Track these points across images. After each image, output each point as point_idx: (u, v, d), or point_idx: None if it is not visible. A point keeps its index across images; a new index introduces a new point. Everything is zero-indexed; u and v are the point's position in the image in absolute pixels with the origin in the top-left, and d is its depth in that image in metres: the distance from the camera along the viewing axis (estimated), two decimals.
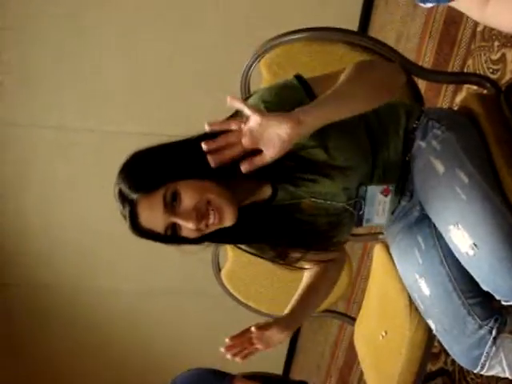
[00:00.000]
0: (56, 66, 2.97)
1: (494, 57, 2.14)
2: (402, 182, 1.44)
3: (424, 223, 1.48)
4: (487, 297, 1.35)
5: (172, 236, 1.26)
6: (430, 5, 1.03)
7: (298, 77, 1.33)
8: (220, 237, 1.34)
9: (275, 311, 2.01)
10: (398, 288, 1.63)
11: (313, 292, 1.57)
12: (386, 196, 1.43)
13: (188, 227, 1.23)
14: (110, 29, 2.94)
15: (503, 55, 2.10)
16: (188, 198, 1.22)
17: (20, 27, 2.87)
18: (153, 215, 1.23)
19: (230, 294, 2.18)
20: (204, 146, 1.13)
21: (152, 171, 1.25)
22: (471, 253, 1.26)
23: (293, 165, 1.29)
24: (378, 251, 1.79)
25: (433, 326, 1.48)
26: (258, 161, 1.15)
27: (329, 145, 1.30)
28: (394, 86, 1.32)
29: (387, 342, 1.80)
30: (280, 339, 1.46)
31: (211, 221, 1.24)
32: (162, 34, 2.98)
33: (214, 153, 1.14)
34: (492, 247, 1.23)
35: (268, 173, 1.27)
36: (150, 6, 2.94)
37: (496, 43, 2.14)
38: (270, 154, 1.14)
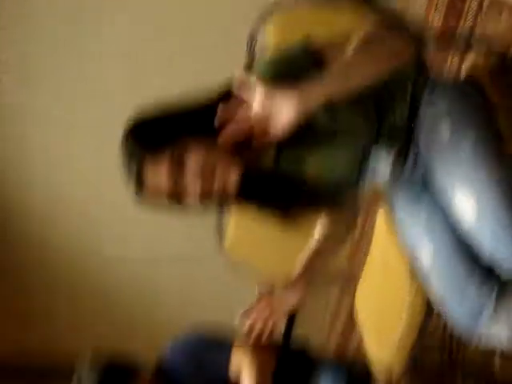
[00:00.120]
0: None
1: (501, 28, 2.13)
2: (406, 146, 1.44)
3: (428, 187, 1.48)
4: (488, 265, 1.36)
5: (177, 199, 1.27)
6: None
7: (305, 44, 1.32)
8: (224, 199, 1.34)
9: (281, 275, 2.02)
10: (400, 253, 1.64)
11: (320, 251, 1.59)
12: (390, 160, 1.44)
13: (194, 189, 1.24)
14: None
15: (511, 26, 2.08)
16: (195, 160, 1.23)
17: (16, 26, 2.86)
18: (159, 176, 1.23)
19: (235, 261, 2.19)
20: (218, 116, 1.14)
21: (160, 130, 1.25)
22: (474, 219, 1.27)
23: (296, 130, 1.30)
24: (380, 216, 1.81)
25: (432, 291, 1.49)
26: (267, 139, 1.16)
27: (333, 110, 1.30)
28: (402, 58, 1.32)
29: (387, 307, 1.82)
30: (292, 303, 1.47)
31: (217, 185, 1.24)
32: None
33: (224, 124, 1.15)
34: (495, 214, 1.24)
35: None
36: None
37: (503, 15, 2.13)
38: (276, 131, 1.14)
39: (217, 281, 3.55)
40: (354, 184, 1.46)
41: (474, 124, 1.32)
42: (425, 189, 1.49)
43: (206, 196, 1.26)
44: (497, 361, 2.09)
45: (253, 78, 1.19)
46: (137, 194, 1.29)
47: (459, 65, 2.41)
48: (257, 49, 1.72)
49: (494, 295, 1.35)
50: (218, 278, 3.47)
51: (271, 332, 1.46)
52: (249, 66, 1.72)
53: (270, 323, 1.46)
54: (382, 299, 1.86)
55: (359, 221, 2.02)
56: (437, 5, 2.57)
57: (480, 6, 2.27)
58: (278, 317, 1.46)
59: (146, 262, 3.62)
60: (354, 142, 1.37)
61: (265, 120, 1.15)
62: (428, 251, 1.46)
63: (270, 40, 1.68)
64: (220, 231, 2.13)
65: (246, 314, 1.43)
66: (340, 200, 1.50)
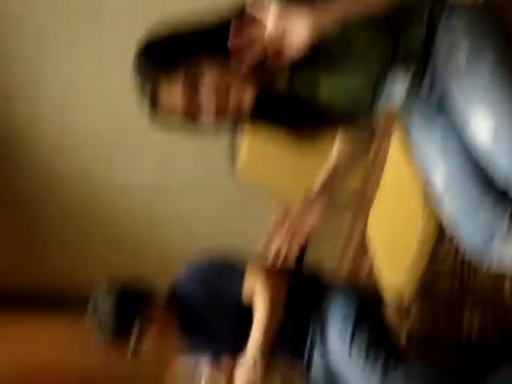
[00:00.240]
0: None
1: None
2: (422, 70, 1.42)
3: (443, 109, 1.46)
4: (502, 188, 1.35)
5: (191, 118, 1.26)
6: None
7: None
8: (238, 119, 1.33)
9: (296, 197, 2.01)
10: (413, 178, 1.63)
11: (337, 170, 1.57)
12: (405, 83, 1.42)
13: (208, 107, 1.23)
14: None
15: None
16: (210, 78, 1.21)
17: None
18: (173, 94, 1.22)
19: (248, 184, 2.18)
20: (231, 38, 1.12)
21: (174, 49, 1.23)
22: (490, 140, 1.25)
23: (310, 51, 1.28)
24: (394, 141, 1.79)
25: (445, 215, 1.49)
26: (281, 59, 1.14)
27: (348, 31, 1.27)
28: None
29: (400, 232, 1.83)
30: (313, 223, 1.48)
31: (231, 103, 1.23)
32: None
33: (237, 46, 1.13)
34: None
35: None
36: None
37: None
38: (290, 51, 1.12)
39: (229, 207, 3.57)
40: (368, 108, 1.44)
41: (493, 48, 1.29)
42: (440, 111, 1.46)
43: (220, 114, 1.25)
44: (507, 286, 2.11)
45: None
46: (151, 113, 1.28)
47: None
48: None
49: (507, 217, 1.35)
50: (231, 204, 3.50)
51: (296, 254, 1.48)
52: None
53: (295, 245, 1.46)
54: (394, 224, 1.87)
55: (373, 145, 2.00)
56: None
57: None
58: (300, 238, 1.46)
59: (157, 188, 3.62)
60: (368, 66, 1.35)
61: (278, 40, 1.13)
62: (442, 174, 1.44)
63: None
64: (233, 153, 2.12)
65: (269, 238, 1.44)
66: (354, 122, 1.48)
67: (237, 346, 1.87)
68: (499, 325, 2.12)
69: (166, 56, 1.23)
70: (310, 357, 2.01)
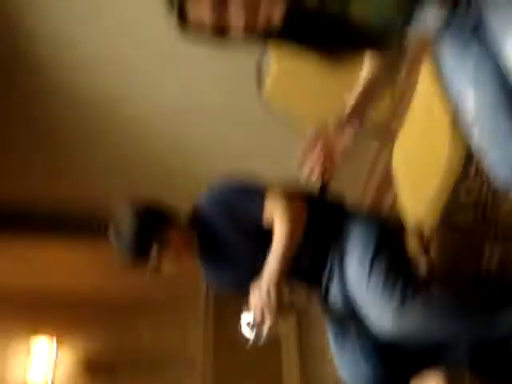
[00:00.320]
0: None
1: None
2: None
3: (478, 35, 1.41)
4: None
5: (220, 33, 1.24)
6: None
7: None
8: (268, 35, 1.30)
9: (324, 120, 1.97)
10: (443, 105, 1.60)
11: (368, 91, 1.54)
12: (439, 7, 1.37)
13: (237, 22, 1.20)
14: None
15: None
16: None
17: None
18: (202, 9, 1.20)
19: (275, 108, 2.15)
20: None
21: None
22: None
23: None
24: (425, 68, 1.75)
25: (475, 140, 1.46)
26: None
27: None
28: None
29: (425, 161, 1.81)
30: (345, 143, 1.47)
31: (261, 18, 1.20)
32: None
33: None
34: None
35: None
36: None
37: None
38: None
39: (253, 132, 3.55)
40: (399, 29, 1.40)
41: None
42: (474, 37, 1.41)
43: (249, 30, 1.23)
44: None
45: None
46: (180, 28, 1.26)
47: None
48: None
49: None
50: (255, 130, 3.47)
51: (326, 176, 1.47)
52: None
53: (326, 167, 1.46)
54: (420, 154, 1.85)
55: (403, 72, 1.95)
56: None
57: None
58: (332, 160, 1.45)
59: (182, 113, 3.60)
60: None
61: None
62: (473, 102, 1.41)
63: None
64: (260, 76, 2.08)
65: (301, 159, 1.43)
66: (385, 44, 1.44)
67: (256, 269, 1.87)
68: None
69: None
70: (328, 285, 2.03)
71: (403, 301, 1.78)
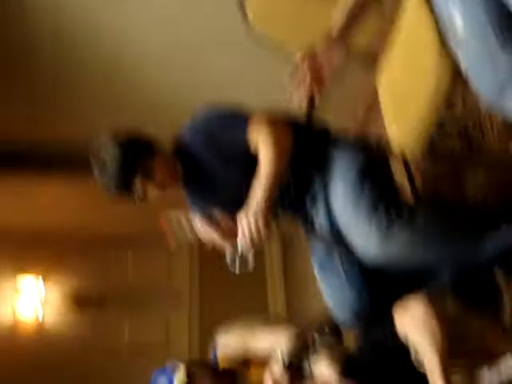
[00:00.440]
0: None
1: None
2: None
3: None
4: None
5: None
6: None
7: None
8: None
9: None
10: (430, 24, 1.56)
11: (355, 7, 1.50)
12: None
13: None
14: None
15: None
16: None
17: None
18: None
19: (260, 34, 2.11)
20: None
21: None
22: None
23: None
24: None
25: (462, 62, 1.44)
26: None
27: None
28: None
29: (412, 86, 1.78)
30: (334, 62, 1.44)
31: None
32: None
33: None
34: None
35: None
36: None
37: None
38: None
39: (239, 59, 3.49)
40: None
41: None
42: None
43: None
44: None
45: None
46: None
47: None
48: None
49: None
50: (241, 57, 3.41)
51: (319, 95, 1.46)
52: None
53: (317, 88, 1.44)
54: (406, 77, 1.81)
55: None
56: None
57: None
58: (322, 80, 1.43)
59: (169, 45, 3.53)
60: None
61: None
62: (461, 22, 1.38)
63: None
64: (242, 3, 2.03)
65: (292, 81, 1.40)
66: None
67: (242, 198, 1.86)
68: (505, 187, 2.12)
69: None
70: (313, 211, 2.02)
71: (388, 226, 1.78)
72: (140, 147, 1.96)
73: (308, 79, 1.44)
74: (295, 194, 2.00)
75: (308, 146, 1.99)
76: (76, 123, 4.01)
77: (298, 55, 1.46)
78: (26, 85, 3.73)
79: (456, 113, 2.41)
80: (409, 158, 2.41)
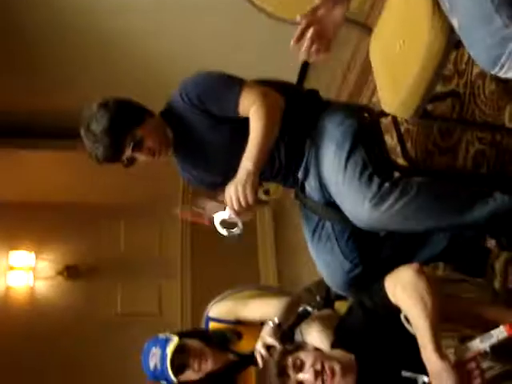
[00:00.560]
0: None
1: None
2: None
3: None
4: None
5: None
6: None
7: None
8: None
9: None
10: None
11: None
12: None
13: None
14: None
15: None
16: None
17: None
18: None
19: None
20: None
21: None
22: None
23: None
24: None
25: (456, 25, 1.41)
26: None
27: None
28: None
29: (404, 51, 1.74)
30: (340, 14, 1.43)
31: None
32: None
33: None
34: None
35: None
36: None
37: None
38: None
39: (232, 28, 3.46)
40: None
41: None
42: None
43: None
44: (508, 111, 2.07)
45: None
46: None
47: None
48: None
49: None
50: (234, 25, 3.38)
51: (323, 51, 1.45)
52: None
53: (324, 44, 1.43)
54: (398, 43, 1.77)
55: None
56: None
57: None
58: (327, 37, 1.42)
59: (156, 9, 3.48)
60: None
61: None
62: None
63: None
64: None
65: (298, 40, 1.40)
66: None
67: (233, 166, 1.84)
68: (496, 150, 2.11)
69: None
70: (304, 179, 2.01)
71: (379, 193, 1.76)
72: (130, 115, 1.93)
73: (311, 32, 1.43)
74: (287, 161, 1.98)
75: (299, 113, 1.96)
76: (72, 94, 3.96)
77: (302, 16, 1.44)
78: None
79: (449, 73, 2.38)
80: (400, 121, 2.39)
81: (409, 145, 2.59)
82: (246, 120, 1.85)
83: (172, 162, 2.15)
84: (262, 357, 1.86)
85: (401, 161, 2.33)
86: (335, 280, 2.06)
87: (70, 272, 5.30)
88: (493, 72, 1.34)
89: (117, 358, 4.60)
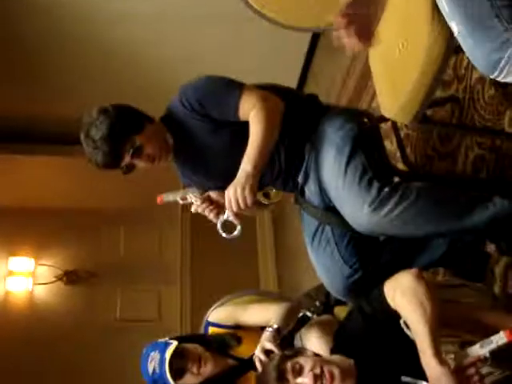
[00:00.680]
0: None
1: None
2: None
3: None
4: None
5: None
6: None
7: None
8: None
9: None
10: None
11: None
12: None
13: None
14: None
15: None
16: None
17: None
18: None
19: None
20: None
21: None
22: None
23: None
24: None
25: (455, 30, 1.41)
26: None
27: None
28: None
29: (404, 56, 1.75)
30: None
31: None
32: None
33: None
34: None
35: None
36: None
37: None
38: None
39: (230, 35, 3.46)
40: None
41: None
42: None
43: None
44: (507, 116, 2.07)
45: None
46: None
47: None
48: None
49: None
50: (232, 32, 3.38)
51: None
52: None
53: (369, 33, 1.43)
54: (398, 47, 1.78)
55: None
56: None
57: None
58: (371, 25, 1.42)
59: (156, 18, 3.49)
60: None
61: None
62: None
63: None
64: None
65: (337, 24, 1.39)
66: None
67: (232, 170, 1.84)
68: (496, 155, 2.11)
69: None
70: (304, 184, 2.00)
71: (378, 198, 1.76)
72: (129, 122, 1.93)
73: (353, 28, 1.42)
74: (287, 166, 1.98)
75: (299, 117, 1.96)
76: (71, 102, 3.96)
77: (343, 6, 1.42)
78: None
79: (448, 78, 2.39)
80: (400, 126, 2.40)
81: (408, 150, 2.59)
82: (246, 124, 1.85)
83: (172, 168, 2.15)
84: (260, 362, 1.85)
85: (400, 166, 2.34)
86: (335, 285, 2.06)
87: (69, 277, 5.29)
88: (492, 76, 1.35)
89: (116, 363, 4.58)
